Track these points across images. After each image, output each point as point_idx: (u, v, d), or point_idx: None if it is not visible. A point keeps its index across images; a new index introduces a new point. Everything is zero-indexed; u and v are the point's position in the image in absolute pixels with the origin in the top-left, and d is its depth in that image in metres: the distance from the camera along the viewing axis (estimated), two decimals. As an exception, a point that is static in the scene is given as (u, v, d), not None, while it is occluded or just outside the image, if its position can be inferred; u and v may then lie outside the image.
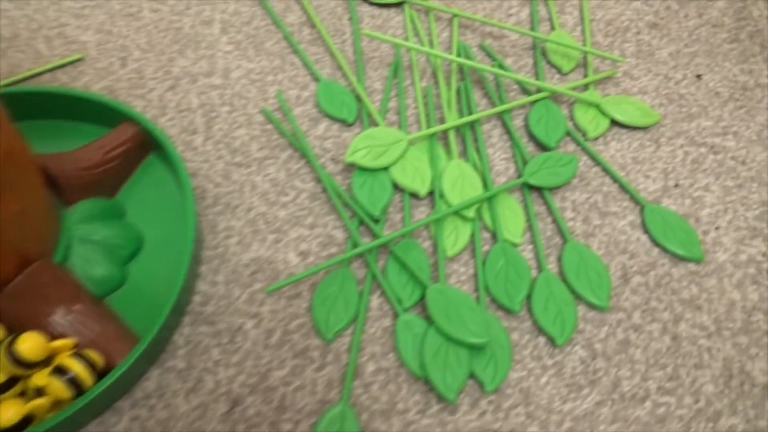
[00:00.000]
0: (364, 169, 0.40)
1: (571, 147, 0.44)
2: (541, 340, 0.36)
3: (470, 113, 0.45)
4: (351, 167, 0.42)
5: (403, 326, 0.35)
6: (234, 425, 0.33)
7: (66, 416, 0.29)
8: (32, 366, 0.30)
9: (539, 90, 0.46)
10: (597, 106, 0.45)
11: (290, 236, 0.39)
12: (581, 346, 0.36)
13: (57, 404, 0.30)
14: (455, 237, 0.39)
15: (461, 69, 0.47)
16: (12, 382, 0.30)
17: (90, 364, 0.30)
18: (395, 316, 0.36)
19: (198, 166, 0.42)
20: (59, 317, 0.32)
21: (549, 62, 0.49)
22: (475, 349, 0.34)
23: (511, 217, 0.40)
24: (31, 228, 0.32)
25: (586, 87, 0.47)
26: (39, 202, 0.33)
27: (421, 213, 0.40)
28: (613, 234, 0.40)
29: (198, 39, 0.48)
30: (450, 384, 0.33)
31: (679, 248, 0.39)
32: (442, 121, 0.45)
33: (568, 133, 0.44)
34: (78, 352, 0.31)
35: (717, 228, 0.40)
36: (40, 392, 0.30)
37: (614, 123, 0.45)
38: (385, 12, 0.51)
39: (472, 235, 0.39)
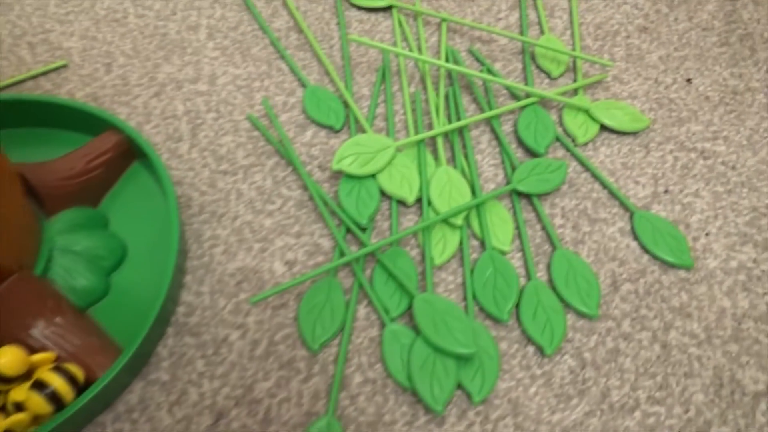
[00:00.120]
0: (351, 177, 0.40)
1: (561, 152, 0.44)
2: (530, 349, 0.35)
3: (459, 119, 0.45)
4: (339, 174, 0.41)
5: (390, 336, 0.35)
6: (218, 439, 0.32)
7: (46, 431, 0.29)
8: (11, 381, 0.29)
9: (528, 95, 0.45)
10: (586, 111, 0.45)
11: (276, 245, 0.38)
12: (570, 356, 0.35)
13: (37, 419, 0.30)
14: (443, 245, 0.38)
15: (450, 74, 0.47)
16: (-10, 397, 0.29)
17: (70, 378, 0.30)
18: (382, 326, 0.36)
19: (183, 174, 0.41)
20: (39, 330, 0.31)
21: (538, 67, 0.48)
22: (462, 359, 0.34)
23: (500, 224, 0.39)
24: (9, 240, 0.31)
25: (575, 92, 0.47)
26: (18, 214, 0.32)
27: (409, 221, 0.40)
28: (603, 241, 0.40)
29: (184, 45, 0.48)
30: (437, 395, 0.32)
31: (668, 255, 0.39)
32: (430, 127, 0.44)
33: (557, 139, 0.44)
34: (58, 366, 0.30)
35: (707, 234, 0.40)
36: (19, 407, 0.29)
37: (604, 128, 0.45)
38: (373, 16, 0.51)
39: (461, 243, 0.39)
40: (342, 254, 0.38)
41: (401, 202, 0.40)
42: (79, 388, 0.30)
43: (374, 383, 0.34)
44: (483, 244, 0.39)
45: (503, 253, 0.39)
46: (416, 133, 0.44)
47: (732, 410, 0.34)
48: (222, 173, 0.41)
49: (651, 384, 0.35)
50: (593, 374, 0.35)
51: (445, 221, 0.39)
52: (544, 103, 0.46)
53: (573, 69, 0.48)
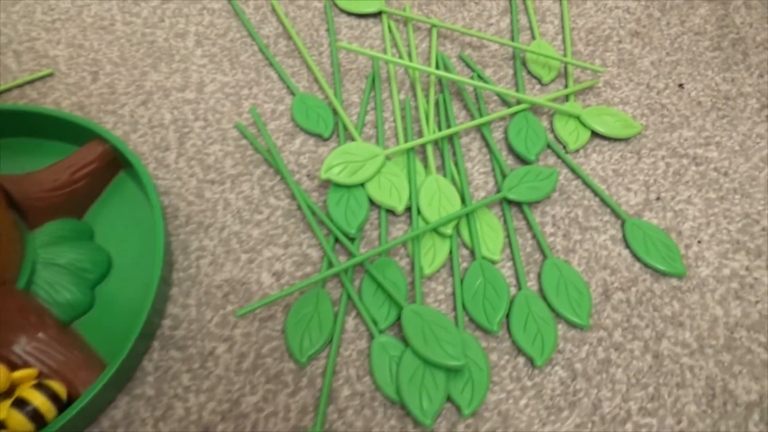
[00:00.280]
0: (340, 186, 0.40)
1: (552, 159, 0.43)
2: (521, 360, 0.35)
3: (449, 126, 0.44)
4: (328, 183, 0.41)
5: (379, 348, 0.34)
6: (204, 455, 0.32)
7: (26, 451, 0.28)
8: (-8, 398, 0.29)
9: (519, 101, 0.45)
10: (578, 118, 0.45)
11: (264, 256, 0.38)
12: (561, 367, 0.35)
13: (18, 437, 0.29)
14: (433, 255, 0.38)
15: (440, 80, 0.47)
16: (-30, 415, 0.29)
17: (52, 396, 0.29)
18: (371, 337, 0.35)
19: (170, 183, 0.41)
20: (21, 346, 0.31)
21: (529, 72, 0.48)
22: (452, 371, 0.33)
23: (490, 233, 0.39)
24: (-10, 255, 0.31)
25: (566, 98, 0.46)
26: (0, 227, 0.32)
27: (399, 230, 0.40)
28: (594, 249, 0.39)
29: (172, 52, 0.47)
30: (426, 409, 0.32)
31: (660, 263, 0.38)
32: (420, 134, 0.44)
33: (548, 146, 0.44)
34: (40, 383, 0.30)
35: (699, 242, 0.40)
36: (0, 425, 0.29)
37: (595, 134, 0.44)
38: (363, 22, 0.50)
39: (450, 253, 0.38)
40: (330, 265, 0.37)
41: (390, 212, 0.40)
42: (62, 406, 0.30)
43: (362, 396, 0.34)
44: (473, 254, 0.38)
45: (493, 262, 0.38)
46: (406, 140, 0.43)
47: (725, 421, 0.34)
48: (209, 183, 0.41)
49: (643, 395, 0.34)
50: (584, 385, 0.34)
51: (435, 230, 0.39)
52: (535, 109, 0.46)
53: (564, 74, 0.48)
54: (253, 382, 0.34)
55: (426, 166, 0.42)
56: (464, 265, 0.38)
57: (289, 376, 0.34)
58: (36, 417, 0.29)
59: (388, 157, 0.41)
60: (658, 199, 0.42)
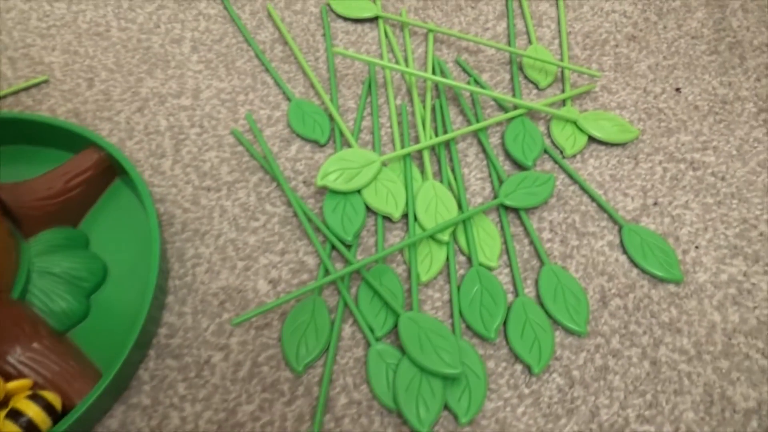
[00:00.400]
0: (336, 193, 0.39)
1: (549, 165, 0.43)
2: (518, 367, 0.35)
3: (445, 131, 0.44)
4: (324, 189, 0.41)
5: (376, 356, 0.34)
6: (200, 464, 0.32)
7: (21, 462, 0.28)
8: (-14, 409, 0.29)
9: (516, 106, 0.45)
10: (574, 123, 0.44)
11: (260, 263, 0.38)
12: (559, 374, 0.35)
13: (13, 449, 0.29)
14: (430, 261, 0.38)
15: (436, 86, 0.46)
16: (-36, 427, 0.29)
17: (47, 407, 0.29)
18: (368, 345, 0.35)
19: (166, 190, 0.40)
20: (16, 357, 0.31)
21: (526, 77, 0.48)
22: (449, 379, 0.33)
23: (487, 239, 0.39)
24: (-16, 265, 0.30)
25: (563, 102, 0.46)
26: (-7, 237, 0.31)
27: (396, 237, 0.39)
28: (591, 255, 0.39)
29: (167, 58, 0.47)
30: (423, 417, 0.32)
31: (658, 269, 0.38)
32: (417, 140, 0.44)
33: (545, 151, 0.44)
34: (35, 394, 0.30)
35: (697, 247, 0.40)
36: (-6, 437, 0.29)
37: (592, 139, 0.44)
38: (359, 27, 0.50)
39: (447, 259, 0.38)
40: (327, 272, 0.37)
41: (387, 218, 0.40)
42: (57, 416, 0.30)
43: (359, 405, 0.33)
44: (470, 260, 0.38)
45: (490, 268, 0.38)
46: (403, 146, 0.43)
47: (722, 428, 0.34)
48: (205, 190, 0.41)
49: (640, 402, 0.34)
50: (582, 393, 0.34)
51: (432, 237, 0.38)
52: (532, 114, 0.45)
53: (561, 79, 0.48)
54: (249, 391, 0.34)
55: (423, 172, 0.42)
56: (461, 271, 0.38)
57: (286, 385, 0.34)
58: (30, 428, 0.28)
59: (384, 163, 0.41)
60: (655, 204, 0.41)
